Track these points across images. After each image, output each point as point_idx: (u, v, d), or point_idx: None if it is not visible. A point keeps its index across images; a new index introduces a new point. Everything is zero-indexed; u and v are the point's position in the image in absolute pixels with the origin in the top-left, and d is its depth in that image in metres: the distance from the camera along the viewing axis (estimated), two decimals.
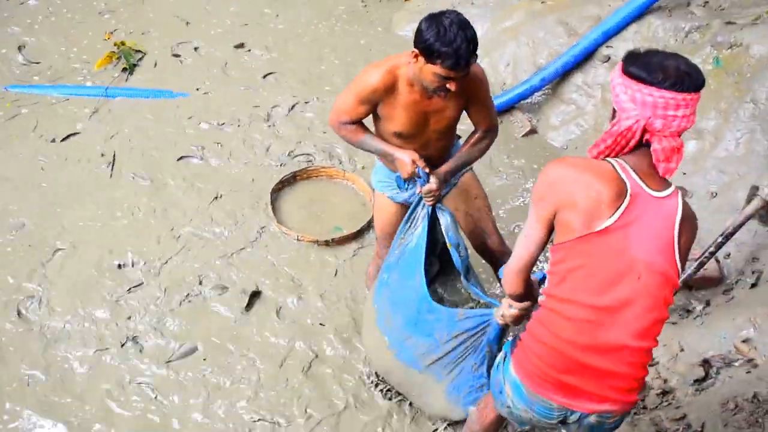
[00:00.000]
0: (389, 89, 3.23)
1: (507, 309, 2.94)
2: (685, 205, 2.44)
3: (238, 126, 5.61)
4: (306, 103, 5.89)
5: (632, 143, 2.38)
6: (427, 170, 3.33)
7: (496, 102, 5.63)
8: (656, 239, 2.38)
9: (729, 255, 4.31)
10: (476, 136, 3.51)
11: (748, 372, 3.55)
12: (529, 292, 2.70)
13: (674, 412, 3.55)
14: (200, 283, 4.37)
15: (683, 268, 2.46)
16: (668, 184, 2.43)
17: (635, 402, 2.54)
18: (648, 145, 2.38)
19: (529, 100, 5.93)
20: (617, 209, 2.34)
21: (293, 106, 5.83)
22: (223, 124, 5.60)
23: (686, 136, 4.84)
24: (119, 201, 4.88)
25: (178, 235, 4.66)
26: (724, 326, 3.80)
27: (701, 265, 4.07)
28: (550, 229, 2.50)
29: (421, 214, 3.49)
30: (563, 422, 2.59)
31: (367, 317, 3.78)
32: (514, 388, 2.61)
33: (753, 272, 4.16)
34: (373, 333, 3.66)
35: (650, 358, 2.49)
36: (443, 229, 3.45)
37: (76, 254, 4.47)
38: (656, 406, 3.65)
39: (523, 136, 5.76)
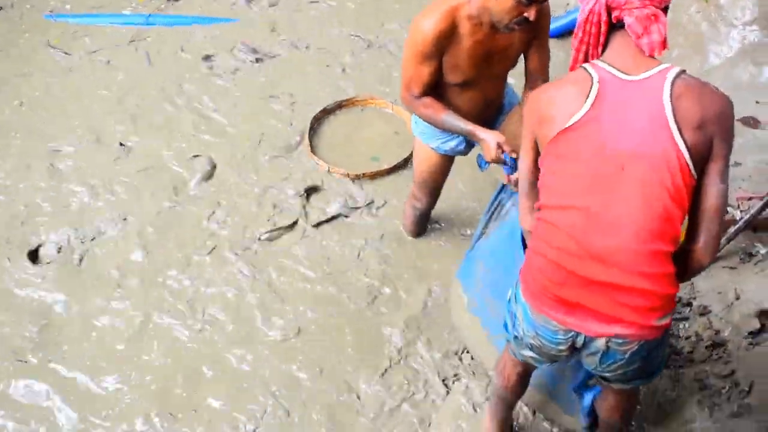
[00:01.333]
0: (450, 35, 2.89)
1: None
2: (688, 79, 2.14)
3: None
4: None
5: (603, 29, 2.21)
6: (514, 155, 2.96)
7: (558, 24, 5.23)
8: (640, 123, 2.11)
9: None
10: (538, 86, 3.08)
11: None
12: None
13: (722, 368, 3.23)
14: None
15: (699, 143, 2.10)
16: (655, 65, 2.17)
17: (660, 328, 2.20)
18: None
19: None
20: (586, 100, 2.15)
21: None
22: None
23: (763, 60, 4.38)
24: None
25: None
26: None
27: (767, 204, 3.67)
28: (536, 156, 2.35)
29: (510, 197, 3.21)
30: (574, 349, 2.33)
31: (456, 304, 3.56)
32: (523, 312, 2.39)
33: None
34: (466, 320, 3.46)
35: (670, 266, 2.16)
36: None
37: None
38: (704, 360, 3.34)
39: None
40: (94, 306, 3.77)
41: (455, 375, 3.50)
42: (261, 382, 3.48)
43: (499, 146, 2.99)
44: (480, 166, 3.29)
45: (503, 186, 3.21)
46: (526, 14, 2.72)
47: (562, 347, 2.34)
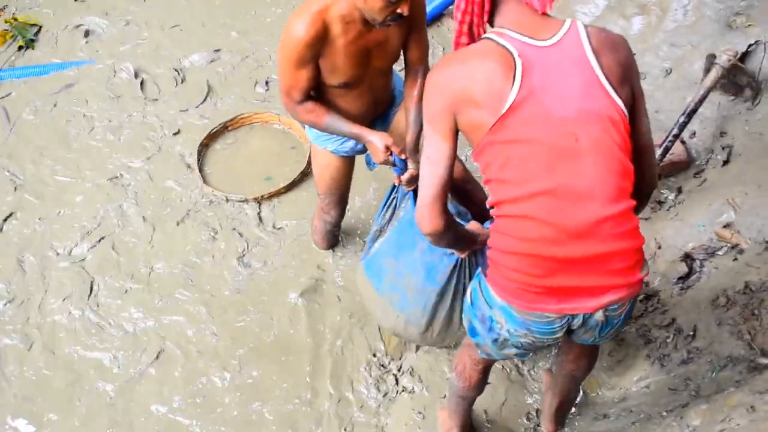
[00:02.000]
0: (323, 37, 2.74)
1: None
2: (594, 31, 2.10)
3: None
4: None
5: None
6: (403, 156, 2.90)
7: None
8: (576, 88, 2.03)
9: (694, 134, 3.96)
10: (419, 83, 3.01)
11: (735, 259, 3.24)
12: (450, 226, 2.26)
13: (661, 318, 3.25)
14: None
15: (626, 92, 2.10)
16: (559, 24, 2.09)
17: (641, 280, 2.16)
18: None
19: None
20: (514, 81, 2.01)
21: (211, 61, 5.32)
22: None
23: (630, 12, 4.46)
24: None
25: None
26: (701, 214, 3.47)
27: (666, 150, 3.72)
28: (455, 141, 2.16)
29: (404, 196, 3.09)
30: (569, 332, 2.25)
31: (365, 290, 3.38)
32: (504, 314, 2.21)
33: (723, 148, 3.81)
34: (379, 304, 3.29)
35: (636, 219, 2.12)
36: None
37: None
38: (641, 314, 3.34)
39: None
40: None
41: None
42: None
43: (387, 148, 2.90)
44: (369, 165, 3.22)
45: (394, 186, 3.10)
46: (399, 10, 2.62)
47: (558, 334, 2.23)
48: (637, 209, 2.20)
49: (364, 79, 2.96)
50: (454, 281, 2.91)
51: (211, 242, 4.03)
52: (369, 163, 3.19)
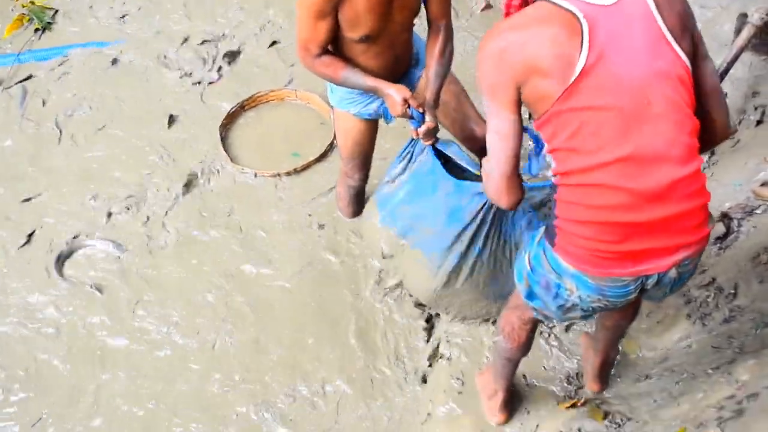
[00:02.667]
0: None
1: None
2: None
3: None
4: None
5: None
6: (421, 109, 2.89)
7: None
8: (642, 47, 1.97)
9: (726, 95, 3.90)
10: (440, 39, 2.98)
11: None
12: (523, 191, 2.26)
13: (701, 278, 3.21)
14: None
15: (687, 42, 2.04)
16: None
17: (708, 235, 2.16)
18: None
19: None
20: (582, 45, 1.93)
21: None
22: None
23: None
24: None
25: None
26: (737, 173, 3.43)
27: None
28: (521, 113, 2.09)
29: (421, 150, 3.12)
30: (641, 291, 2.22)
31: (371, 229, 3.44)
32: (576, 281, 2.19)
33: (756, 108, 3.76)
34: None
35: (704, 176, 2.10)
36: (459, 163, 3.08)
37: None
38: None
39: (481, 11, 5.26)
40: None
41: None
42: None
43: (404, 101, 2.87)
44: (386, 118, 3.21)
45: (412, 140, 3.11)
46: None
47: (632, 295, 2.21)
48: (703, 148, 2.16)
49: (385, 32, 2.91)
50: (479, 222, 2.96)
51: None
52: (386, 116, 3.18)
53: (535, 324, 2.66)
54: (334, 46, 2.94)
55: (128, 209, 4.11)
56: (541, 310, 2.41)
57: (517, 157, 2.15)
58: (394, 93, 2.88)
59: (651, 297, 2.32)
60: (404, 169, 3.20)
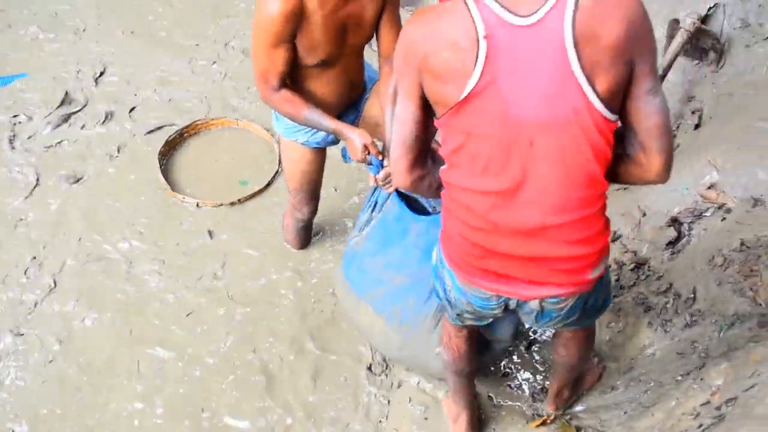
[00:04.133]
0: (299, 12, 2.62)
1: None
2: (586, 8, 1.71)
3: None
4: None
5: None
6: (380, 157, 2.81)
7: None
8: (542, 83, 1.78)
9: None
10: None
11: (724, 219, 3.21)
12: (422, 179, 2.14)
13: (657, 284, 3.20)
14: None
15: (614, 77, 1.77)
16: None
17: (591, 281, 2.08)
18: None
19: None
20: (476, 63, 1.78)
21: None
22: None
23: None
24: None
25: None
26: (683, 177, 3.43)
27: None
28: (422, 103, 1.97)
29: (386, 199, 2.98)
30: (507, 310, 2.21)
31: (344, 294, 3.22)
32: (451, 278, 2.22)
33: (693, 112, 3.81)
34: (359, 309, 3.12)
35: (600, 222, 1.99)
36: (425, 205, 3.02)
37: None
38: (634, 283, 3.30)
39: None
40: None
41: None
42: None
43: (365, 147, 2.82)
44: (344, 158, 3.09)
45: (375, 188, 3.00)
46: None
47: (496, 311, 2.22)
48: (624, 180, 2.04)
49: (341, 57, 2.86)
50: None
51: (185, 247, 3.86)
52: (345, 156, 3.07)
53: (470, 332, 2.59)
54: (290, 72, 2.84)
55: None
56: (447, 311, 2.40)
57: (410, 143, 2.04)
58: (356, 138, 2.82)
59: (526, 322, 2.31)
60: (369, 220, 3.05)
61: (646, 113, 1.86)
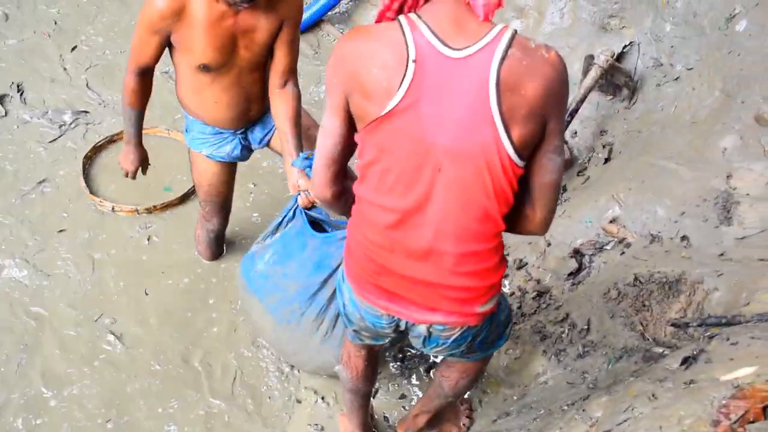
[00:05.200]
0: (179, 11, 2.70)
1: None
2: (517, 54, 1.78)
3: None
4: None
5: None
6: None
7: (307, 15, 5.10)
8: (461, 115, 1.83)
9: (576, 133, 4.06)
10: (290, 99, 2.99)
11: (623, 253, 3.31)
12: (339, 197, 2.17)
13: (555, 314, 3.27)
14: None
15: (528, 130, 1.84)
16: (483, 33, 1.80)
17: (483, 314, 2.13)
18: None
19: (336, 10, 5.42)
20: (401, 84, 1.83)
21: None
22: None
23: (508, 16, 4.53)
24: None
25: None
26: (587, 210, 3.54)
27: None
28: (348, 119, 2.01)
29: (292, 216, 3.07)
30: (398, 331, 2.25)
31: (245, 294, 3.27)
32: (348, 293, 2.26)
33: (604, 146, 3.93)
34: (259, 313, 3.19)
35: (492, 259, 2.05)
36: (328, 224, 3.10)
37: None
38: (535, 311, 3.37)
39: None
40: None
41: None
42: None
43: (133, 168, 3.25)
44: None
45: (293, 204, 3.06)
46: None
47: (386, 330, 2.26)
48: (512, 229, 2.10)
49: (231, 68, 2.91)
50: None
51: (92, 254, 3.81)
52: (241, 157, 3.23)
53: (369, 352, 2.63)
54: (181, 74, 2.97)
55: None
56: (344, 323, 2.42)
57: (332, 157, 2.07)
58: (130, 154, 3.25)
59: (414, 345, 2.33)
60: (275, 232, 3.12)
61: (544, 170, 1.96)
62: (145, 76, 2.98)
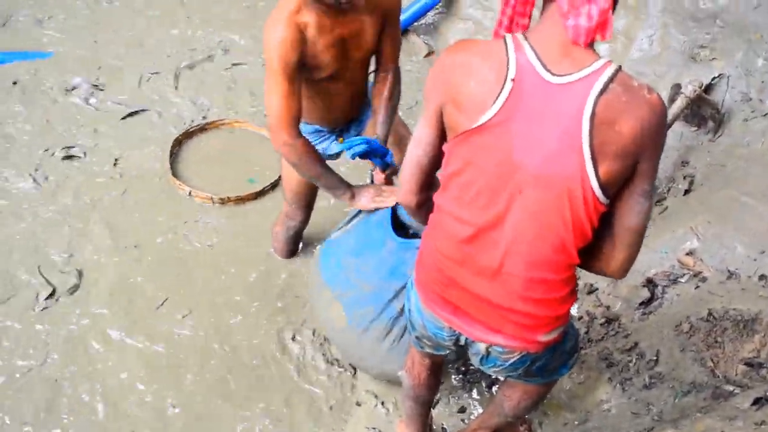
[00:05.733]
0: (302, 36, 2.72)
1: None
2: (616, 90, 1.76)
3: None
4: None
5: None
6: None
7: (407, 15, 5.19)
8: (551, 142, 1.81)
9: None
10: (389, 82, 3.07)
11: (697, 287, 3.26)
12: (422, 205, 2.21)
13: (623, 342, 3.24)
14: None
15: (617, 168, 1.81)
16: (588, 62, 1.78)
17: (545, 343, 2.12)
18: None
19: (422, 21, 5.47)
20: (496, 100, 1.83)
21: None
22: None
23: (596, 39, 4.49)
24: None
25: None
26: (664, 240, 3.50)
27: None
28: (440, 130, 2.03)
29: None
30: (458, 345, 2.26)
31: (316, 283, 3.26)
32: (415, 299, 2.28)
33: (684, 177, 3.86)
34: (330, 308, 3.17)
35: (562, 290, 2.03)
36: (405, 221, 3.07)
37: None
38: (602, 337, 3.34)
39: (424, 57, 5.33)
40: None
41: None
42: None
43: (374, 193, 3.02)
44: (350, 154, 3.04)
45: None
46: None
47: (446, 342, 2.27)
48: (587, 265, 2.08)
49: (344, 71, 2.95)
50: None
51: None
52: (349, 152, 3.02)
53: (434, 363, 2.63)
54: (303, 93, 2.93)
55: None
56: (408, 328, 2.45)
57: (420, 166, 2.12)
58: (365, 199, 2.99)
59: (472, 361, 2.31)
60: (354, 217, 3.14)
61: (630, 212, 1.93)
62: (298, 124, 2.87)
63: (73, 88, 4.84)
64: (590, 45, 1.81)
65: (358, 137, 2.94)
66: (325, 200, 4.03)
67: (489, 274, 2.03)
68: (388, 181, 3.07)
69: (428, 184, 2.17)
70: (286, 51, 2.71)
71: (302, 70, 2.81)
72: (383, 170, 3.04)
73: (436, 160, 2.11)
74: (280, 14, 2.72)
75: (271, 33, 2.72)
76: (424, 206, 2.22)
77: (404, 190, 2.19)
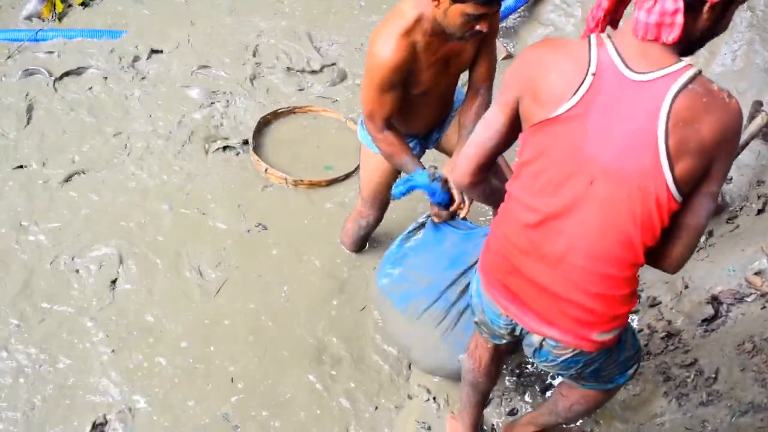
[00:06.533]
0: (410, 59, 2.73)
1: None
2: (694, 91, 1.77)
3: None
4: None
5: None
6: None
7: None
8: (626, 137, 1.84)
9: (731, 179, 3.93)
10: (478, 101, 3.03)
11: (764, 308, 3.19)
12: (479, 184, 2.30)
13: (683, 357, 3.19)
14: None
15: (691, 167, 1.82)
16: (668, 63, 1.81)
17: (599, 343, 2.11)
18: None
19: (503, 24, 5.46)
20: (575, 93, 1.88)
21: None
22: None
23: None
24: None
25: None
26: (732, 258, 3.43)
27: None
28: (512, 119, 2.09)
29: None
30: (513, 334, 2.29)
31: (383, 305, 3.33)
32: (477, 283, 2.35)
33: (759, 197, 3.78)
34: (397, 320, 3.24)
35: (624, 288, 2.03)
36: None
37: None
38: (661, 351, 3.29)
39: (502, 59, 5.32)
40: None
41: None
42: None
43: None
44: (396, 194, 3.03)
45: (428, 216, 3.15)
46: (478, 27, 2.61)
47: (502, 330, 2.30)
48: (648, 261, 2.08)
49: (441, 85, 2.98)
50: None
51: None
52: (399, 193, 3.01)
53: (496, 348, 2.60)
54: None
55: None
56: (470, 311, 2.48)
57: (485, 149, 2.19)
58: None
59: (525, 352, 2.32)
60: (417, 229, 3.21)
61: (694, 211, 1.94)
62: (391, 124, 2.95)
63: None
64: (672, 48, 1.83)
65: (403, 178, 2.95)
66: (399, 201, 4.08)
67: (551, 262, 2.05)
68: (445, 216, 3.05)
69: (486, 167, 2.24)
70: (393, 73, 2.74)
71: (401, 93, 2.85)
72: (438, 207, 3.01)
73: (499, 146, 2.18)
74: (393, 28, 2.71)
75: (381, 49, 2.71)
76: (479, 186, 2.31)
77: (461, 169, 2.26)
